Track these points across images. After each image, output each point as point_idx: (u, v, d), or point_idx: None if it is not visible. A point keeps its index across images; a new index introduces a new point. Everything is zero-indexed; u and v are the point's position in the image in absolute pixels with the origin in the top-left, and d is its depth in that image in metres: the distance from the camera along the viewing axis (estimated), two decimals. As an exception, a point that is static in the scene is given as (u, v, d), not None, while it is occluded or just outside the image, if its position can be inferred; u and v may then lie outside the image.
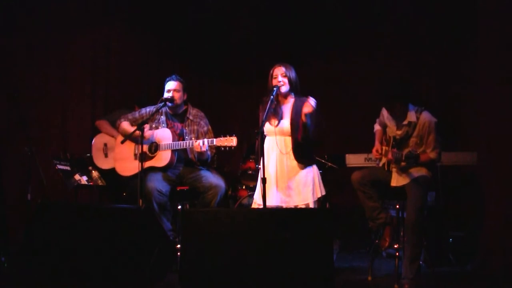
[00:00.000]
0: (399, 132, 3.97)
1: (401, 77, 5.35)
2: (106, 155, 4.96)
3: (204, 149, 4.11)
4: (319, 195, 3.97)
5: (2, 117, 5.23)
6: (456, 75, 5.46)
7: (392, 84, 4.18)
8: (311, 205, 3.91)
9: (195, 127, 4.40)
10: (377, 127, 4.26)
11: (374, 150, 4.12)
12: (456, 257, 4.61)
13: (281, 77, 3.97)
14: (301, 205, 3.90)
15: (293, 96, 4.04)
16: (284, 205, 3.91)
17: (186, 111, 4.45)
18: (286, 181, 3.94)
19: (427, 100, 5.40)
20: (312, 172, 3.99)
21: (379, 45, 5.84)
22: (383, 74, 5.55)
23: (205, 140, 4.13)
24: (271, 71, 4.02)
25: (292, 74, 4.00)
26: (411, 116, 3.92)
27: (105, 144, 4.97)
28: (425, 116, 3.91)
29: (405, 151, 3.80)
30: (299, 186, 3.92)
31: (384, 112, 4.13)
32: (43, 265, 3.42)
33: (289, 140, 3.97)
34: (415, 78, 5.60)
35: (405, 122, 3.94)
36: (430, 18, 5.58)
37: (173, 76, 4.40)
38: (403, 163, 3.87)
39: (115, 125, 4.90)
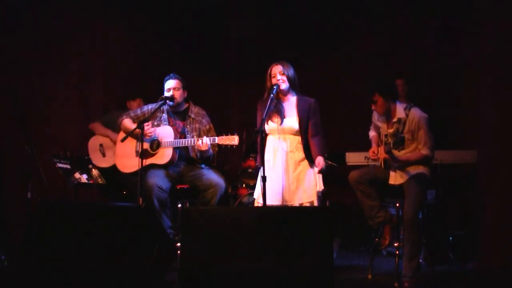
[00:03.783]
0: (390, 130, 3.98)
1: (385, 77, 5.36)
2: (103, 155, 4.97)
3: (206, 147, 4.11)
4: (319, 190, 3.98)
5: (2, 116, 5.23)
6: (457, 74, 5.45)
7: (373, 79, 4.26)
8: (316, 203, 3.92)
9: (197, 125, 4.41)
10: (372, 133, 4.29)
11: (370, 152, 4.14)
12: (456, 256, 4.62)
13: (279, 76, 3.97)
14: (306, 203, 3.92)
15: (294, 94, 4.04)
16: (289, 203, 3.92)
17: (187, 109, 4.46)
18: (291, 180, 3.95)
19: (428, 98, 5.40)
20: (312, 172, 3.99)
21: (379, 45, 5.83)
22: (383, 73, 5.55)
23: (206, 138, 4.14)
24: (269, 70, 4.02)
25: (290, 71, 4.00)
26: (400, 113, 3.93)
27: (101, 145, 4.97)
28: (415, 112, 3.91)
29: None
30: (304, 184, 3.94)
31: (375, 114, 4.16)
32: (43, 264, 3.41)
33: (293, 138, 3.98)
34: (415, 77, 5.59)
35: (394, 120, 3.95)
36: (431, 17, 5.58)
37: (172, 74, 4.41)
38: (396, 152, 3.85)
39: (109, 126, 4.91)
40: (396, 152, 3.84)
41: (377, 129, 4.19)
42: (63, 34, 5.58)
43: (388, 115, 3.99)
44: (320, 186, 4.00)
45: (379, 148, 4.06)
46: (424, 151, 3.88)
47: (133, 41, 5.96)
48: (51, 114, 5.56)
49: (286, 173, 3.95)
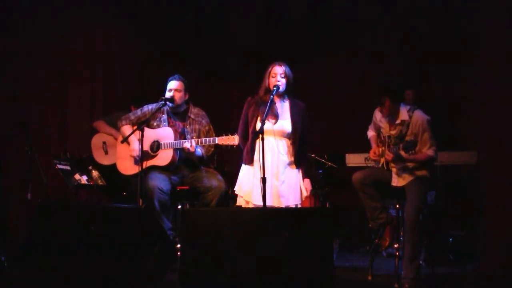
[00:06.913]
0: (393, 132, 3.99)
1: (394, 77, 5.36)
2: (106, 152, 4.98)
3: (193, 149, 4.11)
4: (303, 198, 3.99)
5: (2, 117, 5.23)
6: (456, 75, 5.46)
7: (383, 80, 4.31)
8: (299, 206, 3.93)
9: (196, 126, 4.41)
10: (371, 133, 4.28)
11: (371, 152, 4.13)
12: (456, 257, 4.62)
13: (280, 77, 3.93)
14: (292, 206, 3.90)
15: (287, 97, 4.02)
16: (276, 205, 3.89)
17: (187, 110, 4.46)
18: (279, 182, 3.91)
19: (427, 99, 5.40)
20: (299, 174, 4.00)
21: (379, 45, 5.84)
22: (383, 74, 5.55)
23: (191, 140, 4.14)
24: (270, 69, 3.97)
25: (291, 74, 3.97)
26: (404, 115, 3.94)
27: (104, 142, 4.98)
28: (418, 114, 3.93)
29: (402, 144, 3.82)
30: (290, 187, 3.92)
31: (377, 114, 4.15)
32: (43, 265, 3.41)
33: (285, 141, 3.95)
34: (415, 77, 5.60)
35: (398, 121, 3.96)
36: (430, 18, 5.58)
37: (176, 75, 4.41)
38: (405, 154, 3.85)
39: (113, 126, 4.92)
40: (402, 153, 3.85)
41: (378, 129, 4.19)
42: (63, 34, 5.57)
43: (392, 117, 3.99)
44: (303, 194, 3.99)
45: (380, 149, 4.06)
46: (430, 152, 3.90)
47: (134, 42, 5.96)
48: (51, 114, 5.56)
49: (275, 175, 3.91)
